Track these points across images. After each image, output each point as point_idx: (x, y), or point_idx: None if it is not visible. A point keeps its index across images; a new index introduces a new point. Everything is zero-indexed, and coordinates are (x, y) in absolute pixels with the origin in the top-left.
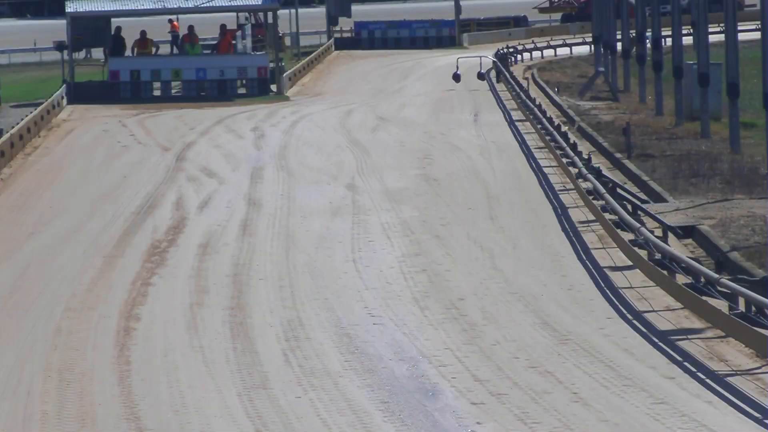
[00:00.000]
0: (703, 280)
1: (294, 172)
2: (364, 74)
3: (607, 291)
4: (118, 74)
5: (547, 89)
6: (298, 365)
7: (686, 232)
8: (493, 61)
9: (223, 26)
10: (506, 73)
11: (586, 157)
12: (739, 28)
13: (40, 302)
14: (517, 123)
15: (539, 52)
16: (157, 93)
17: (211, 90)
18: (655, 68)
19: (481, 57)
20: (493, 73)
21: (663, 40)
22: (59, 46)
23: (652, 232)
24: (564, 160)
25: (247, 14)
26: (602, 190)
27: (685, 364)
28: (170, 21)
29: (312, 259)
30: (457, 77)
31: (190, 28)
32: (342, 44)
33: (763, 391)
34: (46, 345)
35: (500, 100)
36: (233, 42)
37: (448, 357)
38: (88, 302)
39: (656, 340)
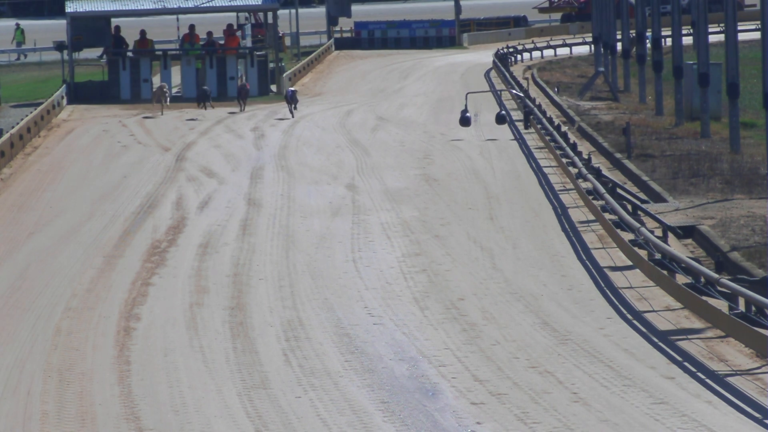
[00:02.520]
0: (703, 280)
1: (294, 172)
2: (364, 74)
3: (607, 291)
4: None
5: (547, 89)
6: (298, 365)
7: (686, 232)
8: (519, 96)
9: (230, 26)
10: (539, 113)
11: (586, 157)
12: (739, 28)
13: (40, 302)
14: (517, 123)
15: (539, 52)
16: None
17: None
18: (655, 68)
19: (498, 91)
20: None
21: (663, 40)
22: (59, 46)
23: (652, 232)
24: (564, 160)
25: (247, 14)
26: (602, 190)
27: (685, 364)
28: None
29: (312, 259)
30: (466, 120)
31: (191, 27)
32: (342, 44)
33: (763, 391)
34: (46, 345)
35: (500, 100)
36: (242, 41)
37: (448, 357)
38: (88, 302)
39: (656, 340)
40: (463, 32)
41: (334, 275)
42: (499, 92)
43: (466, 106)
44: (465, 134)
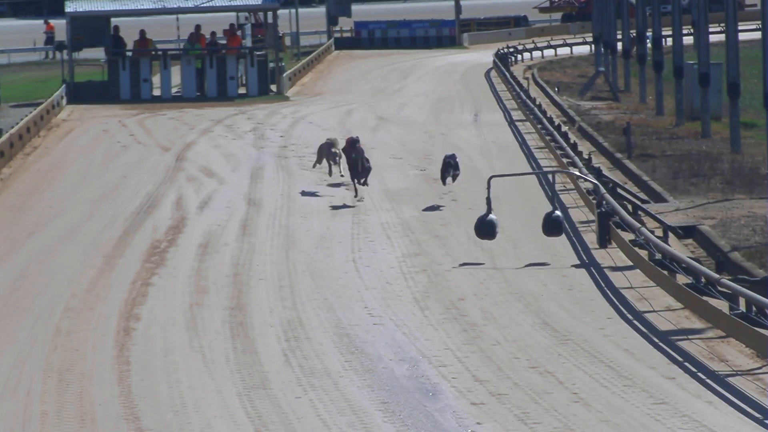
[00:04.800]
0: (703, 280)
1: (294, 172)
2: (364, 74)
3: (608, 291)
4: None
5: (548, 89)
6: (298, 365)
7: (687, 232)
8: (586, 178)
9: (231, 25)
10: (626, 214)
11: (586, 157)
12: (740, 27)
13: (40, 302)
14: (517, 123)
15: (539, 52)
16: (156, 93)
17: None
18: (655, 68)
19: (548, 172)
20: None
21: (663, 39)
22: (59, 46)
23: (652, 232)
24: (564, 160)
25: (247, 14)
26: (603, 190)
27: (686, 364)
28: (46, 22)
29: (312, 259)
30: (488, 229)
31: (197, 27)
32: (342, 44)
33: (764, 392)
34: (46, 345)
35: (500, 99)
36: (243, 41)
37: (448, 357)
38: (88, 302)
39: (657, 341)
40: (464, 32)
41: (334, 275)
42: (548, 173)
43: (488, 200)
44: (465, 133)
